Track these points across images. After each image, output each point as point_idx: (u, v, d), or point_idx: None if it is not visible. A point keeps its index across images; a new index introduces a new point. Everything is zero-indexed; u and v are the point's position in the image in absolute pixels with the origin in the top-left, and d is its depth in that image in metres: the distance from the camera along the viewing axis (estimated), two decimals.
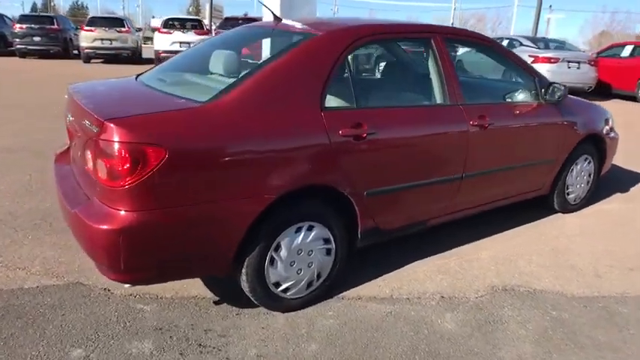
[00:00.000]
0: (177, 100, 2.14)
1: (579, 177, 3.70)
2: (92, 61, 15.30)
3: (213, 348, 2.11)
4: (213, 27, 17.59)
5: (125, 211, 1.86)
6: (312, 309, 2.42)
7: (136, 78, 2.87)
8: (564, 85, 3.17)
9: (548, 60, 10.24)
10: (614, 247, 3.27)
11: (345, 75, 2.33)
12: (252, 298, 2.27)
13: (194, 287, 2.54)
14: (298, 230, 2.26)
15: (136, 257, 1.91)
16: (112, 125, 1.82)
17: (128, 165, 1.81)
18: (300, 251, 2.29)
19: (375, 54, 2.69)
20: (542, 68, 9.58)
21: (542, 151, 3.30)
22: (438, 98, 2.69)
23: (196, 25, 14.21)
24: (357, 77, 2.36)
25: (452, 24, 31.62)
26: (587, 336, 2.30)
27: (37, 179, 4.13)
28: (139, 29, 19.26)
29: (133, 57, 15.07)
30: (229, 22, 13.33)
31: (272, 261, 2.22)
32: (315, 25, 2.51)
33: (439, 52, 2.70)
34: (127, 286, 2.13)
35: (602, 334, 2.31)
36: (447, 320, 2.37)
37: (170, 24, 13.90)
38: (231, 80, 2.25)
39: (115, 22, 14.80)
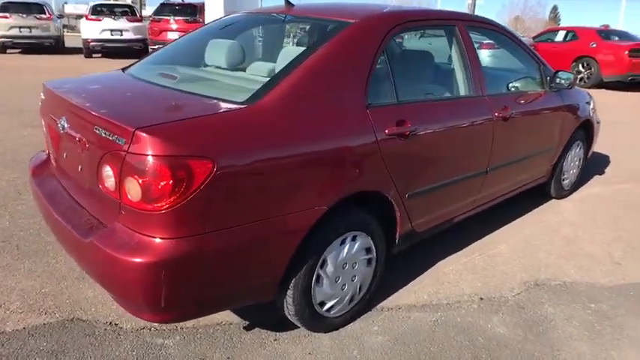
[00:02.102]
0: (208, 101, 1.80)
1: (572, 163, 3.76)
2: (8, 51, 13.73)
3: None
4: (145, 13, 16.37)
5: (166, 238, 1.53)
6: (355, 325, 2.21)
7: (123, 72, 2.46)
8: (571, 73, 3.17)
9: (492, 46, 10.55)
10: (619, 232, 3.34)
11: (385, 67, 2.10)
12: (297, 321, 2.02)
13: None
14: (343, 242, 2.03)
15: (180, 292, 1.59)
16: (146, 135, 1.47)
17: (170, 183, 1.48)
18: (345, 265, 2.06)
19: (406, 43, 2.49)
20: (483, 54, 9.86)
21: (549, 140, 3.29)
22: (467, 89, 2.55)
23: (128, 12, 13.12)
24: (395, 69, 2.14)
25: None
26: (633, 327, 2.29)
27: None
28: (61, 16, 17.50)
29: (57, 46, 13.68)
30: (166, 9, 12.43)
31: (318, 279, 1.98)
32: (340, 12, 2.25)
33: (464, 40, 2.55)
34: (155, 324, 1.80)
35: None
36: (495, 324, 2.26)
37: (99, 10, 12.71)
38: (261, 77, 1.96)
39: (32, 8, 13.23)
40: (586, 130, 3.78)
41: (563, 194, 3.81)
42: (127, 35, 12.65)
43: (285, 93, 1.78)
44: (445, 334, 2.18)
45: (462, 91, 2.54)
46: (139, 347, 2.00)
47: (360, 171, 1.96)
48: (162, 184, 1.48)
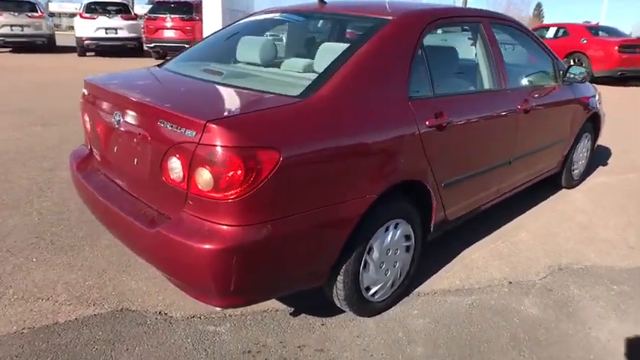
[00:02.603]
0: (264, 95, 1.87)
1: (581, 154, 3.90)
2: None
3: None
4: (138, 11, 16.24)
5: (236, 226, 1.60)
6: (396, 309, 2.30)
7: (160, 68, 2.52)
8: (584, 67, 3.30)
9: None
10: (629, 218, 3.49)
11: (422, 62, 2.19)
12: (345, 306, 2.10)
13: None
14: (386, 229, 2.12)
15: (248, 277, 1.66)
16: (218, 127, 1.54)
17: (241, 173, 1.55)
18: (389, 251, 2.15)
19: (437, 39, 2.58)
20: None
21: (562, 131, 3.42)
22: (493, 83, 2.65)
23: (122, 10, 13.02)
24: (430, 63, 2.23)
25: None
26: None
27: (5, 189, 3.54)
28: (52, 14, 17.29)
29: (49, 45, 13.53)
30: (162, 7, 12.37)
31: (365, 264, 2.07)
32: (376, 10, 2.33)
33: (488, 36, 2.66)
34: (217, 309, 1.87)
35: None
36: (528, 306, 2.37)
37: (93, 8, 12.60)
38: (301, 73, 2.04)
39: (24, 6, 13.04)
40: (593, 122, 3.92)
41: (573, 184, 3.95)
42: (121, 33, 12.58)
43: (337, 87, 1.86)
44: (482, 315, 2.28)
45: (489, 84, 2.65)
46: (192, 334, 2.07)
47: (404, 161, 2.05)
48: (233, 173, 1.55)
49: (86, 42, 12.45)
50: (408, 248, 2.28)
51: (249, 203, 1.59)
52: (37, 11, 13.12)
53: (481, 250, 2.90)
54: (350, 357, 1.98)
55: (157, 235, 1.70)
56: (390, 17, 2.19)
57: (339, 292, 2.04)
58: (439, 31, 2.55)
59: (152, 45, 12.33)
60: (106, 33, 12.49)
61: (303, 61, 2.35)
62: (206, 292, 1.69)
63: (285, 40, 2.86)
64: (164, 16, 12.08)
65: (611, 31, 12.37)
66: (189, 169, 1.62)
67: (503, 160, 2.75)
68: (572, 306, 2.39)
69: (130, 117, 1.86)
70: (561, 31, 12.21)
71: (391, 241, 2.14)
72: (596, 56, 11.02)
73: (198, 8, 11.98)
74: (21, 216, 3.14)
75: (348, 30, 2.65)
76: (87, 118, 2.28)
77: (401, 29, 2.15)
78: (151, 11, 12.56)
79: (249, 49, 2.52)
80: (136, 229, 1.81)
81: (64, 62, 11.80)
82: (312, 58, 2.32)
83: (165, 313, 2.21)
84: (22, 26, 12.71)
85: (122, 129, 1.92)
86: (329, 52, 2.15)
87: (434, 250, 2.81)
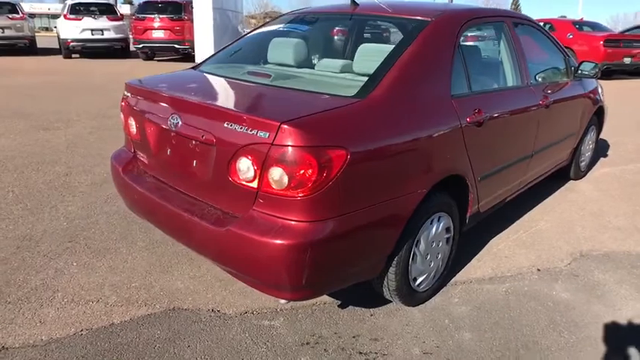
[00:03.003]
0: (322, 96, 1.95)
1: (588, 145, 4.08)
2: None
3: (376, 353, 2.02)
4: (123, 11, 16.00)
5: (309, 222, 1.67)
6: (437, 299, 2.40)
7: (196, 70, 2.57)
8: (595, 63, 3.45)
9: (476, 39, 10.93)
10: (636, 206, 3.67)
11: (460, 60, 2.29)
12: (395, 297, 2.19)
13: None
14: (431, 222, 2.22)
15: (318, 271, 1.74)
16: (293, 128, 1.61)
17: (314, 171, 1.63)
18: (433, 243, 2.25)
19: (470, 38, 2.69)
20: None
21: (574, 124, 3.58)
22: (517, 79, 2.78)
23: (108, 10, 12.84)
24: (466, 62, 2.33)
25: None
26: None
27: (25, 195, 3.53)
28: (32, 15, 16.92)
29: (31, 48, 13.26)
30: (149, 7, 12.25)
31: (413, 256, 2.16)
32: (412, 10, 2.43)
33: (512, 35, 2.78)
34: (282, 301, 1.93)
35: None
36: (558, 291, 2.51)
37: (77, 9, 12.40)
38: (345, 73, 2.12)
39: (4, 7, 12.74)
40: (598, 116, 4.11)
41: (580, 175, 4.13)
42: (108, 35, 12.41)
43: (390, 87, 1.95)
44: (518, 301, 2.40)
45: (515, 81, 2.77)
46: (249, 329, 2.14)
47: (450, 157, 2.15)
48: (306, 172, 1.63)
49: (72, 44, 12.26)
50: (448, 240, 2.39)
51: (320, 200, 1.67)
52: (17, 12, 12.86)
53: (506, 241, 3.02)
54: (403, 344, 2.07)
55: (227, 234, 1.76)
56: (429, 18, 2.28)
57: (390, 283, 2.13)
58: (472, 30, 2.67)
59: (141, 46, 12.21)
60: (92, 34, 12.31)
61: (340, 62, 2.43)
62: (277, 286, 1.76)
63: (316, 41, 2.92)
64: (152, 16, 11.96)
65: (596, 26, 12.76)
66: (262, 169, 1.69)
67: (527, 152, 2.88)
68: (600, 289, 2.53)
69: (191, 120, 1.92)
70: (547, 26, 12.53)
71: (435, 234, 2.24)
72: (582, 51, 11.34)
73: (186, 8, 11.92)
74: (49, 221, 3.14)
75: (385, 31, 2.74)
76: (131, 122, 2.31)
77: (441, 29, 2.25)
78: (138, 11, 12.42)
79: (283, 51, 2.59)
80: (201, 229, 1.86)
81: (50, 64, 11.60)
82: (350, 58, 2.39)
83: (218, 310, 2.27)
84: (2, 28, 12.44)
85: (179, 132, 1.97)
86: (371, 53, 2.23)
87: (462, 242, 2.92)
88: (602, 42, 11.13)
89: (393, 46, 2.23)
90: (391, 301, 2.33)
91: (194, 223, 1.89)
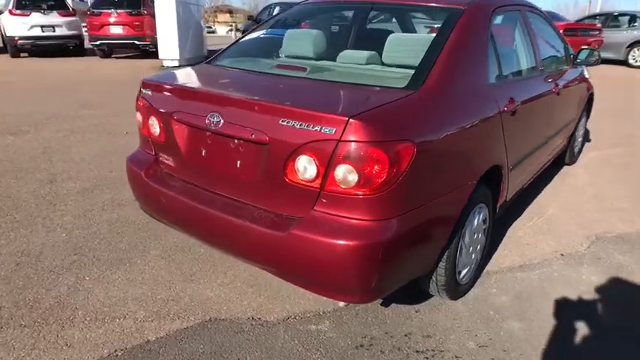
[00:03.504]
0: (374, 89, 1.87)
1: (580, 131, 4.20)
2: None
3: (433, 350, 1.97)
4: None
5: (378, 220, 1.60)
6: (475, 290, 2.38)
7: (214, 65, 2.42)
8: (592, 50, 3.54)
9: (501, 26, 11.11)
10: (633, 187, 3.82)
11: (492, 49, 2.27)
12: (443, 292, 2.15)
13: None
14: (473, 214, 2.19)
15: (388, 271, 1.66)
16: (362, 123, 1.52)
17: (385, 167, 1.55)
18: (474, 235, 2.23)
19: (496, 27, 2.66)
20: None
21: (573, 111, 3.67)
22: (535, 67, 2.80)
23: (58, 5, 12.03)
24: (497, 51, 2.31)
25: None
26: None
27: (10, 206, 3.24)
28: None
29: None
30: (105, 1, 11.58)
31: (460, 250, 2.13)
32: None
33: (527, 23, 2.79)
34: (341, 304, 1.85)
35: None
36: (586, 274, 2.55)
37: (24, 4, 11.57)
38: (371, 64, 2.10)
39: None
40: (589, 101, 4.24)
41: (573, 160, 4.26)
42: (60, 31, 11.67)
43: (441, 77, 1.89)
44: (552, 287, 2.43)
45: (534, 68, 2.79)
46: (297, 336, 2.04)
47: (493, 147, 2.13)
48: (377, 168, 1.55)
49: (20, 42, 11.43)
50: (484, 231, 2.37)
51: (389, 197, 1.59)
52: None
53: (523, 228, 3.06)
54: (456, 339, 2.04)
55: (289, 237, 1.65)
56: (462, 7, 2.24)
57: (439, 278, 2.08)
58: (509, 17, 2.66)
59: (97, 43, 11.57)
60: (43, 31, 11.54)
61: (365, 54, 2.34)
62: (345, 289, 1.68)
63: (335, 33, 2.82)
64: (109, 11, 11.35)
65: (554, 16, 13.27)
66: (327, 167, 1.59)
67: (543, 139, 2.92)
68: (624, 270, 2.60)
69: (235, 118, 1.78)
70: None
71: (477, 225, 2.22)
72: None
73: (145, 2, 11.40)
74: (44, 233, 2.89)
75: (416, 20, 2.68)
76: (153, 122, 2.14)
77: (476, 18, 2.21)
78: (93, 6, 11.75)
79: (302, 43, 2.48)
80: (255, 235, 1.74)
81: None
82: (373, 49, 2.32)
83: (259, 318, 2.15)
84: None
85: (220, 131, 1.83)
86: (404, 43, 2.17)
87: None
88: (561, 31, 11.57)
89: (427, 35, 2.17)
90: (432, 296, 2.29)
91: (245, 229, 1.77)
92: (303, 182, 1.66)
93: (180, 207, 2.00)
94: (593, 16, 14.87)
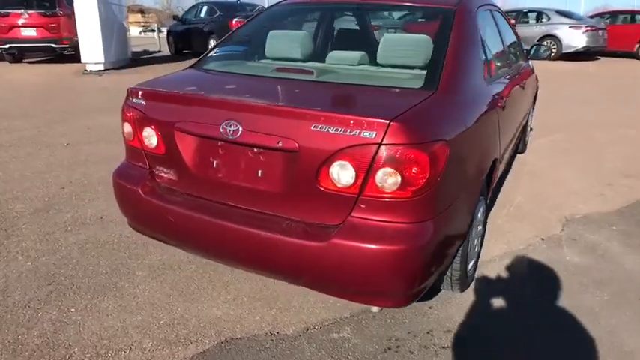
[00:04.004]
0: (394, 90, 1.85)
1: (530, 120, 4.50)
2: None
3: (457, 345, 2.01)
4: None
5: (419, 223, 1.59)
6: (479, 280, 2.47)
7: (205, 71, 2.28)
8: (543, 45, 3.79)
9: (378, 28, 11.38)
10: (583, 170, 4.16)
11: (482, 47, 2.34)
12: (456, 285, 2.18)
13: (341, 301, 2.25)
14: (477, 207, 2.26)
15: (428, 272, 1.66)
16: (403, 125, 1.50)
17: (425, 169, 1.54)
18: (478, 227, 2.30)
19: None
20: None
21: (529, 102, 3.92)
22: (508, 62, 2.94)
23: None
24: (484, 48, 2.40)
25: None
26: None
27: None
28: None
29: None
30: (13, 1, 10.47)
31: (469, 243, 2.18)
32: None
33: (496, 21, 2.93)
34: (375, 309, 1.81)
35: None
36: (569, 255, 2.73)
37: None
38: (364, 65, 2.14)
39: None
40: (536, 93, 4.55)
41: (524, 149, 4.55)
42: None
43: (452, 76, 1.92)
44: (547, 270, 2.57)
45: (507, 64, 2.93)
46: (323, 346, 1.97)
47: (495, 141, 2.20)
48: (419, 170, 1.53)
49: None
50: (482, 222, 2.46)
51: (428, 198, 1.59)
52: None
53: (500, 217, 3.21)
54: (477, 330, 2.09)
55: (330, 247, 1.59)
56: (453, 7, 2.29)
57: (454, 272, 2.12)
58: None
59: (6, 46, 10.46)
60: None
61: (356, 54, 2.32)
62: (389, 293, 1.66)
63: (322, 33, 2.75)
64: (18, 11, 10.30)
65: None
66: (367, 172, 1.55)
67: (515, 130, 3.08)
68: (599, 249, 2.81)
69: (257, 126, 1.67)
70: None
71: (480, 218, 2.29)
72: None
73: (60, 2, 10.51)
74: (5, 263, 2.57)
75: (414, 20, 2.69)
76: (148, 133, 1.97)
77: (467, 17, 2.27)
78: None
79: (288, 45, 2.41)
80: (290, 247, 1.65)
81: None
82: (363, 50, 2.31)
83: (277, 332, 2.06)
84: None
85: (238, 140, 1.71)
86: (401, 43, 2.18)
87: None
88: None
89: (422, 36, 2.20)
90: (440, 290, 2.33)
91: (274, 242, 1.67)
92: (339, 189, 1.60)
93: (190, 223, 1.86)
94: (505, 13, 16.04)
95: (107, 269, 2.53)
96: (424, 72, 1.95)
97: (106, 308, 2.20)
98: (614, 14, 15.82)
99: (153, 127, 1.94)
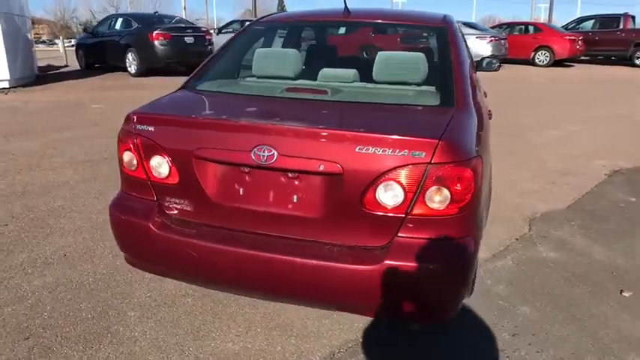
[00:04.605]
0: (420, 108, 1.88)
1: None
2: None
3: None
4: None
5: (463, 238, 1.63)
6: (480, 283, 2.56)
7: (203, 92, 2.16)
8: (492, 58, 4.05)
9: None
10: (529, 170, 4.50)
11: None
12: (468, 292, 2.26)
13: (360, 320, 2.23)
14: None
15: (472, 282, 1.70)
16: (450, 144, 1.54)
17: (470, 185, 1.58)
18: None
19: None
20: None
21: None
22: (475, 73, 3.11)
23: None
24: (471, 62, 2.52)
25: None
26: (615, 223, 3.30)
27: None
28: None
29: None
30: None
31: None
32: (415, 18, 2.48)
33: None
34: (415, 327, 1.81)
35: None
36: (545, 252, 2.94)
37: None
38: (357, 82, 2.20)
39: None
40: None
41: None
42: None
43: (464, 93, 1.98)
44: (532, 268, 2.74)
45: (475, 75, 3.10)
46: None
47: (490, 150, 2.31)
48: (465, 186, 1.57)
49: None
50: None
51: (469, 213, 1.64)
52: None
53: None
54: (486, 333, 2.18)
55: (381, 270, 1.56)
56: (442, 24, 2.38)
57: None
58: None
59: None
60: None
61: (350, 72, 2.32)
62: (439, 310, 1.67)
63: (311, 51, 2.70)
64: None
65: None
66: (416, 191, 1.55)
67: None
68: (568, 244, 3.07)
69: (294, 149, 1.60)
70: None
71: None
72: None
73: None
74: None
75: (410, 38, 2.72)
76: (158, 161, 1.80)
77: (458, 34, 2.38)
78: None
79: (280, 63, 2.35)
80: (334, 273, 1.60)
81: None
82: (356, 67, 2.33)
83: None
84: None
85: (273, 165, 1.63)
86: (398, 61, 2.23)
87: None
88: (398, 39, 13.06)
89: (416, 53, 2.26)
90: None
91: (325, 269, 1.61)
92: (386, 210, 1.59)
93: (218, 257, 1.73)
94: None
95: (92, 313, 2.27)
96: (431, 88, 2.01)
97: (106, 358, 1.98)
98: (511, 25, 17.49)
99: (164, 155, 1.78)
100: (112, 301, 2.37)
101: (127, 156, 1.87)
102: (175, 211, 1.86)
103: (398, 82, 2.18)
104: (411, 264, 1.56)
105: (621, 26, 16.40)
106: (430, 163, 1.53)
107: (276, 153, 1.62)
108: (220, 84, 2.26)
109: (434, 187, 1.55)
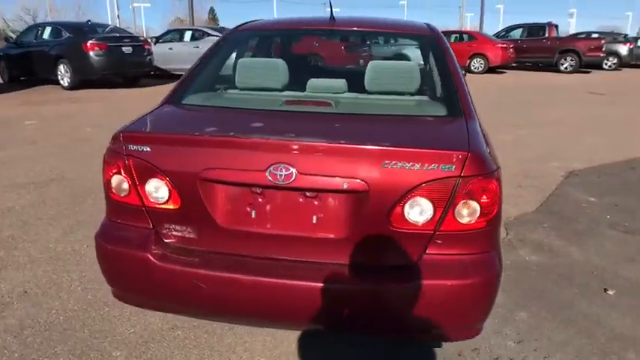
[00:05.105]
0: (432, 119, 1.82)
1: None
2: None
3: (497, 358, 2.06)
4: None
5: (489, 251, 1.59)
6: None
7: (193, 107, 1.99)
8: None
9: None
10: None
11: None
12: None
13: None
14: None
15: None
16: (478, 157, 1.50)
17: (497, 197, 1.55)
18: None
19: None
20: None
21: None
22: None
23: None
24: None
25: None
26: (583, 223, 3.44)
27: None
28: None
29: None
30: None
31: None
32: (402, 26, 2.45)
33: None
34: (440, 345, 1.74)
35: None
36: (526, 255, 3.01)
37: None
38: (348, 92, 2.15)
39: None
40: None
41: None
42: None
43: (466, 102, 1.96)
44: (518, 273, 2.78)
45: None
46: None
47: None
48: (493, 199, 1.54)
49: None
50: None
51: (494, 226, 1.61)
52: None
53: None
54: (496, 343, 2.17)
55: (413, 288, 1.49)
56: (429, 33, 2.36)
57: None
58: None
59: None
60: None
61: (340, 82, 2.25)
62: (471, 325, 1.62)
63: (295, 61, 2.57)
64: None
65: None
66: (446, 206, 1.49)
67: None
68: (545, 247, 3.16)
69: (315, 167, 1.49)
70: None
71: None
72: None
73: None
74: None
75: (401, 46, 2.65)
76: (155, 185, 1.62)
77: (445, 41, 2.37)
78: None
79: (266, 74, 2.23)
80: (368, 295, 1.51)
81: None
82: (345, 77, 2.27)
83: None
84: None
85: (290, 185, 1.51)
86: (391, 70, 2.19)
87: None
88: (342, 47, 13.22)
89: (409, 62, 2.23)
90: None
91: (354, 292, 1.51)
92: (415, 227, 1.52)
93: (227, 286, 1.58)
94: None
95: (70, 357, 2.02)
96: (426, 97, 1.97)
97: None
98: (447, 34, 18.26)
99: (163, 177, 1.61)
100: (91, 341, 2.12)
101: (116, 180, 1.67)
102: (175, 239, 1.68)
103: (391, 92, 2.13)
104: (444, 281, 1.50)
105: (547, 34, 17.64)
106: (460, 176, 1.48)
107: (294, 171, 1.50)
108: (208, 97, 2.10)
109: (464, 202, 1.50)
